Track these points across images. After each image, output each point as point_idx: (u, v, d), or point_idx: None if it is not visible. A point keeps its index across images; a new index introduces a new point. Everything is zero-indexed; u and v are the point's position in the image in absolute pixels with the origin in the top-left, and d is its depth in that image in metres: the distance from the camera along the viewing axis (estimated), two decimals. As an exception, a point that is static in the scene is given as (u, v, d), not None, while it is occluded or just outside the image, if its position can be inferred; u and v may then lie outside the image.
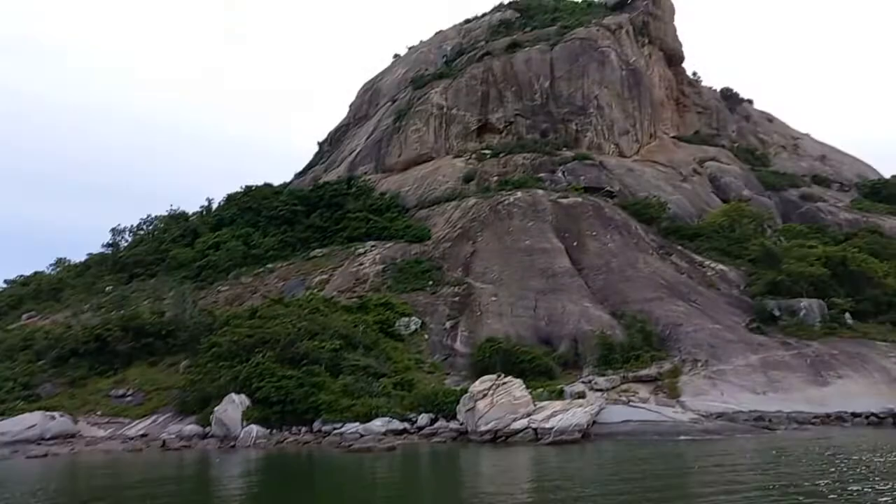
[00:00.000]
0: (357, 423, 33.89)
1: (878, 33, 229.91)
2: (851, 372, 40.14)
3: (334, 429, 34.09)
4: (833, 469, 20.29)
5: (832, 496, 16.07)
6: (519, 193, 59.30)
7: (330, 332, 40.41)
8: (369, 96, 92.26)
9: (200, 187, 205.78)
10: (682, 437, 30.66)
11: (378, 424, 33.77)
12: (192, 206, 75.23)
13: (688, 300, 47.86)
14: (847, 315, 45.99)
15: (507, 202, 57.97)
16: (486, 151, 70.83)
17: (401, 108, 78.82)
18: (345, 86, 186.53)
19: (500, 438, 31.41)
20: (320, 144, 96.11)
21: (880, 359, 41.56)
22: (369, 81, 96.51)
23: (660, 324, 44.90)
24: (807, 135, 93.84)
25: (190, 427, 36.04)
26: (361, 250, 56.30)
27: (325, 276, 53.42)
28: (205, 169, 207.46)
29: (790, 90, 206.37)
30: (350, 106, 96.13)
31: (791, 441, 29.19)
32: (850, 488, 17.06)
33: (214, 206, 71.98)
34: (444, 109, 75.15)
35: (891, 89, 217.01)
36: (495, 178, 64.81)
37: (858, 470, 20.07)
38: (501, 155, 69.30)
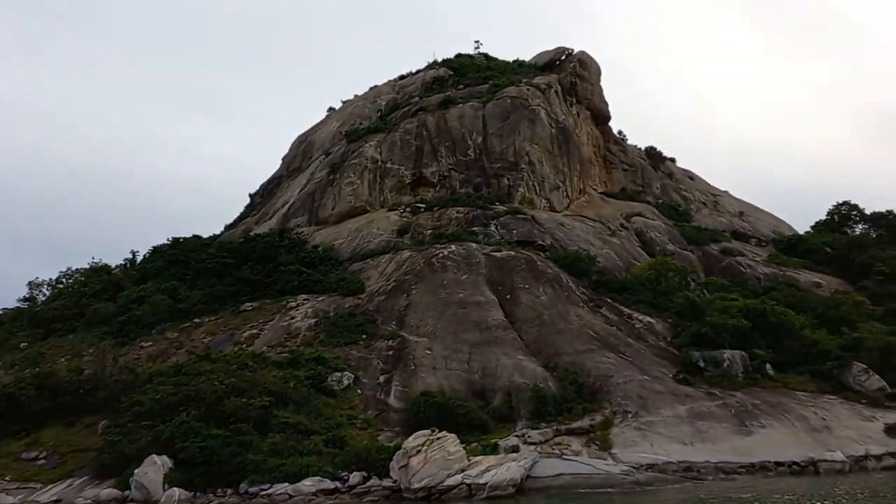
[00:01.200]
0: (286, 484, 32.79)
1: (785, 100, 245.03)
2: (774, 421, 41.43)
3: (262, 490, 32.85)
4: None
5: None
6: (453, 247, 59.79)
7: (259, 389, 39.26)
8: (303, 149, 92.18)
9: (124, 240, 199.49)
10: (614, 490, 30.90)
11: (308, 484, 32.75)
12: (115, 259, 72.73)
13: (618, 352, 48.74)
14: (768, 366, 47.66)
15: (441, 255, 58.32)
16: (421, 205, 71.41)
17: (335, 160, 78.95)
18: (277, 139, 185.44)
19: (434, 496, 30.96)
20: (252, 196, 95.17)
21: (800, 408, 43.12)
22: (303, 134, 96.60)
23: (591, 375, 45.48)
24: (726, 192, 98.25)
25: (107, 491, 34.05)
26: (293, 304, 55.38)
27: (254, 331, 52.20)
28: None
29: (709, 150, 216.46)
30: (283, 158, 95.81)
31: (718, 491, 29.78)
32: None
33: (139, 258, 69.92)
34: (379, 163, 75.66)
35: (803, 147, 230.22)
36: (429, 232, 65.21)
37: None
38: (436, 208, 69.94)
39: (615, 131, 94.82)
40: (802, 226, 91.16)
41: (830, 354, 48.30)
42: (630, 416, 41.62)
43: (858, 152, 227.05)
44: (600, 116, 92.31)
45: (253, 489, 33.08)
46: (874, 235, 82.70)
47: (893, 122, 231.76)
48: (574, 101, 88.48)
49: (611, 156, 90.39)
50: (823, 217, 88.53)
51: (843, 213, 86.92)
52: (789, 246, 79.38)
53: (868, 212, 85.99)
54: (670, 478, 33.85)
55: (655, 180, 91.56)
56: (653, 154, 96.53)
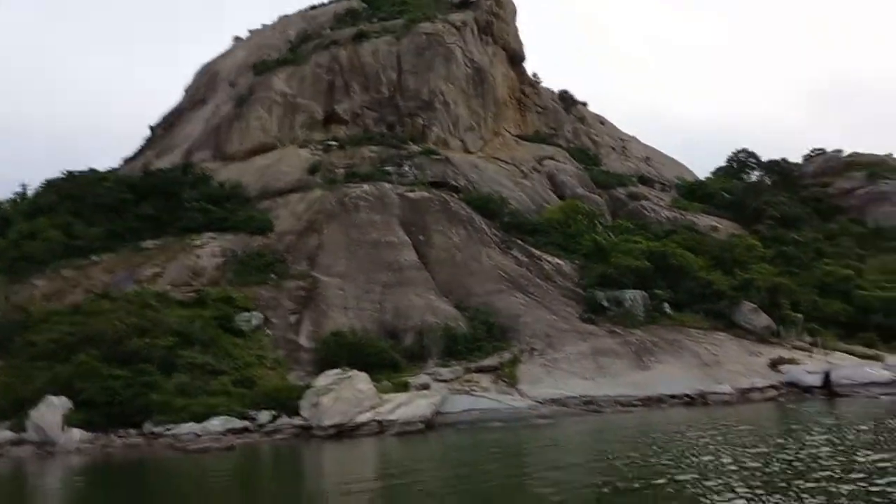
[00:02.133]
0: (193, 424, 32.32)
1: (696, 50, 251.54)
2: (669, 357, 43.84)
3: (167, 430, 32.30)
4: (641, 443, 22.20)
5: (635, 464, 17.57)
6: (366, 186, 59.07)
7: (163, 329, 38.24)
8: (207, 80, 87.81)
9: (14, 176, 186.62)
10: (520, 423, 32.08)
11: (216, 424, 32.40)
12: (2, 193, 67.83)
13: (527, 292, 49.97)
14: (666, 305, 50.08)
15: (354, 195, 57.56)
16: (333, 143, 69.83)
17: (242, 93, 75.76)
18: (179, 69, 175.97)
19: (344, 432, 31.25)
20: (152, 129, 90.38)
21: (694, 345, 45.71)
22: (207, 64, 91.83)
23: (501, 315, 46.61)
24: (634, 138, 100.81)
25: (2, 434, 32.69)
26: (198, 242, 53.59)
27: (157, 270, 50.35)
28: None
29: (619, 95, 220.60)
30: (186, 89, 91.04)
31: (615, 422, 31.45)
32: (651, 459, 18.73)
33: (30, 192, 65.63)
34: (289, 97, 73.18)
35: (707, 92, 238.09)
36: (342, 171, 64.05)
37: (661, 443, 22.00)
38: (348, 147, 68.60)
39: (529, 73, 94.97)
40: (703, 171, 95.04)
41: (723, 294, 51.11)
42: (537, 353, 43.11)
43: (761, 104, 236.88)
44: (515, 57, 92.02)
45: (157, 429, 32.45)
46: (768, 182, 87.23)
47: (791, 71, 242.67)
48: (490, 40, 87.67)
49: (525, 98, 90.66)
50: (723, 164, 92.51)
51: (741, 161, 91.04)
52: (690, 191, 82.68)
53: (764, 159, 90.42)
54: (572, 411, 35.46)
55: (567, 124, 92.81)
56: (565, 98, 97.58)
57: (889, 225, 79.39)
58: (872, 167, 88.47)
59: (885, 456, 18.09)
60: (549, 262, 55.64)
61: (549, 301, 49.49)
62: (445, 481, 18.33)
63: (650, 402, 38.80)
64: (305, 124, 72.43)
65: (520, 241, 58.10)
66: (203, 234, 54.59)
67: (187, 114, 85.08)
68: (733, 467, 17.71)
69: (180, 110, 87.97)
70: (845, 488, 14.53)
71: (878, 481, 15.00)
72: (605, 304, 49.20)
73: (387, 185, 59.74)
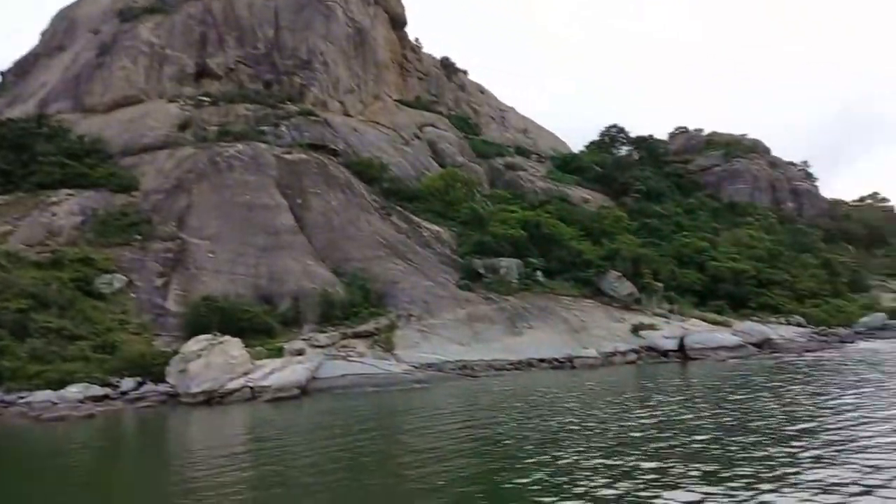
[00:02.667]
0: (48, 392, 30.24)
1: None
2: (541, 323, 45.53)
3: (20, 398, 30.04)
4: (507, 403, 23.04)
5: (497, 421, 18.25)
6: (240, 146, 56.75)
7: (15, 291, 35.41)
8: (66, 25, 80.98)
9: None
10: (396, 388, 32.35)
11: (74, 391, 30.44)
12: None
13: (405, 259, 50.14)
14: (539, 273, 51.84)
15: (227, 154, 55.18)
16: (205, 98, 66.42)
17: (105, 41, 70.46)
18: (34, 11, 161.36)
19: (214, 399, 30.31)
20: (3, 74, 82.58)
21: (563, 311, 47.67)
22: (66, 8, 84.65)
23: (379, 281, 46.56)
24: (512, 108, 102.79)
25: None
26: (55, 199, 49.70)
27: (8, 227, 46.34)
28: None
29: (499, 64, 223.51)
30: (42, 33, 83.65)
31: (487, 384, 32.40)
32: (517, 415, 19.51)
33: None
34: (156, 48, 68.83)
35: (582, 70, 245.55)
36: (214, 128, 61.14)
37: (528, 402, 22.96)
38: (221, 103, 65.47)
39: (411, 39, 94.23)
40: (577, 144, 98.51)
41: (592, 263, 53.52)
42: (414, 319, 43.50)
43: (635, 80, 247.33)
44: (397, 21, 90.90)
45: (9, 397, 30.10)
46: (636, 157, 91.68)
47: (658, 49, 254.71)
48: (372, 1, 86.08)
49: (407, 63, 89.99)
50: (596, 138, 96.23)
51: (612, 135, 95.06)
52: (564, 163, 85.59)
53: (633, 135, 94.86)
54: (448, 375, 36.16)
55: (449, 91, 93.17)
56: (447, 65, 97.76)
57: (741, 201, 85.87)
58: (729, 146, 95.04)
59: (692, 414, 19.85)
60: (428, 229, 56.01)
61: (427, 268, 49.91)
62: (314, 445, 18.27)
63: (521, 365, 40.21)
64: (175, 77, 68.44)
65: (399, 208, 58.07)
66: (59, 191, 50.68)
67: (43, 60, 78.14)
68: (590, 423, 18.83)
69: (35, 56, 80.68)
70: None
71: (695, 438, 16.40)
72: (482, 271, 50.25)
73: (262, 146, 57.68)
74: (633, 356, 43.63)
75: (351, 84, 74.39)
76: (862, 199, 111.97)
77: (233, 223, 48.95)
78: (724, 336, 46.46)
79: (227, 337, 33.98)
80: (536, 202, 66.20)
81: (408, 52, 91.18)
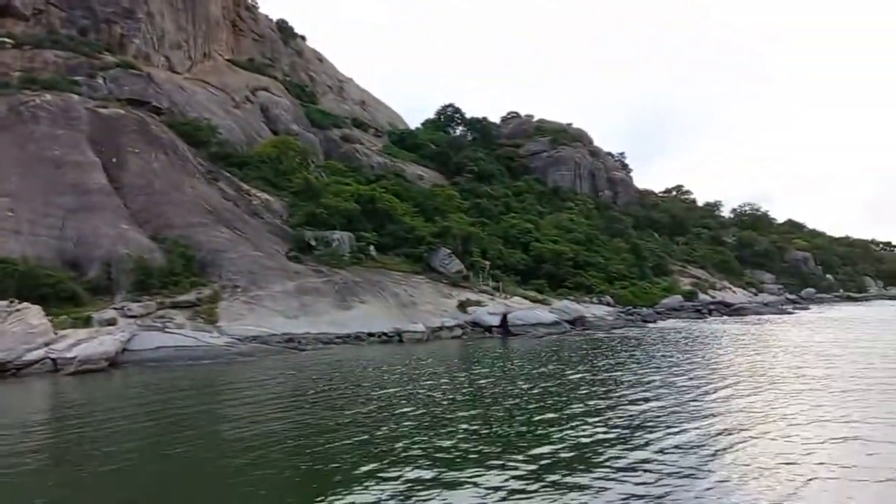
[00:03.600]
0: None
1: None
2: (371, 297, 45.56)
3: None
4: (327, 375, 23.02)
5: (312, 392, 18.26)
6: (48, 96, 51.21)
7: None
8: None
9: None
10: (217, 361, 31.04)
11: None
12: None
13: (232, 227, 48.05)
14: (372, 247, 51.82)
15: (32, 104, 49.59)
16: (7, 40, 59.25)
17: None
18: None
19: (9, 371, 27.47)
20: None
21: (394, 286, 48.04)
22: None
23: (203, 249, 44.32)
24: (351, 80, 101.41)
25: None
26: None
27: None
28: None
29: (340, 33, 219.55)
30: None
31: (313, 357, 32.02)
32: (328, 386, 19.53)
33: None
34: (-52, -23, 60.41)
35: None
36: (18, 74, 54.72)
37: (347, 376, 23.08)
38: (27, 47, 58.74)
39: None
40: (414, 121, 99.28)
41: (424, 240, 54.34)
42: (239, 290, 41.87)
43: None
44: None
45: None
46: (470, 138, 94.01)
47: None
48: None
49: (241, 21, 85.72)
50: (432, 116, 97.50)
51: (448, 115, 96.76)
52: (401, 139, 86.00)
53: (468, 116, 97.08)
54: (272, 348, 35.20)
55: (285, 56, 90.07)
56: (284, 28, 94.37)
57: (564, 186, 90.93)
58: (556, 133, 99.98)
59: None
60: (257, 197, 54.04)
61: (255, 237, 48.18)
62: (114, 421, 17.15)
63: (350, 339, 40.08)
64: (-31, 13, 60.39)
65: (227, 174, 55.49)
66: None
67: None
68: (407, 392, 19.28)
69: None
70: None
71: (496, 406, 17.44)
72: (313, 243, 49.36)
73: (75, 97, 52.49)
74: (458, 331, 44.94)
75: (178, 39, 69.69)
76: (668, 191, 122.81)
77: (37, 180, 44.25)
78: (542, 313, 49.09)
79: (25, 304, 30.86)
80: (372, 176, 66.05)
81: (242, 10, 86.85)
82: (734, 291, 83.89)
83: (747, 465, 12.07)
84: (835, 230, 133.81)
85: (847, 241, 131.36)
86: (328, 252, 48.87)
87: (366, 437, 14.68)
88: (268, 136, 66.22)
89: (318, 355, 33.75)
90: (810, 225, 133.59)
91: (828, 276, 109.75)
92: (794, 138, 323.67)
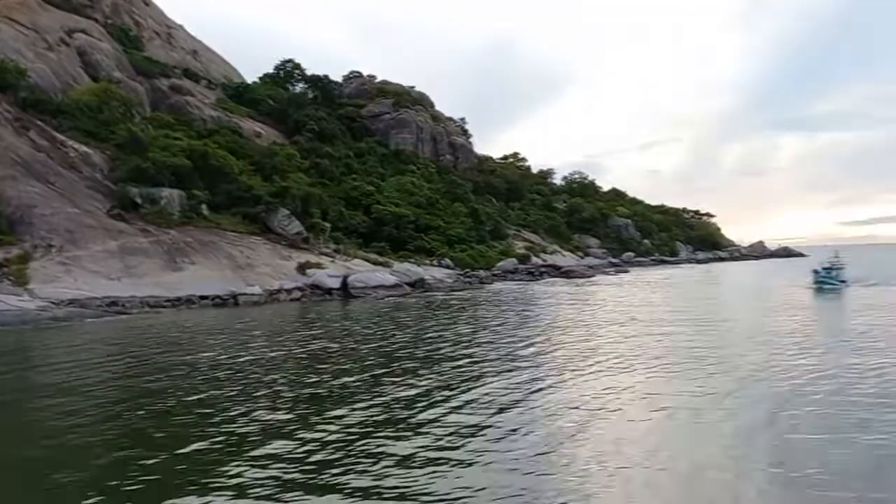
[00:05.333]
0: None
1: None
2: (203, 258, 43.49)
3: None
4: (148, 340, 21.93)
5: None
6: None
7: None
8: None
9: None
10: (28, 326, 28.42)
11: None
12: None
13: (46, 181, 43.75)
14: (204, 206, 49.28)
15: None
16: None
17: None
18: None
19: None
20: None
21: (229, 247, 46.14)
22: None
23: (11, 205, 40.11)
24: (181, 26, 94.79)
25: None
26: None
27: None
28: None
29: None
30: None
31: (138, 323, 30.14)
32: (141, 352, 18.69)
33: None
34: None
35: None
36: None
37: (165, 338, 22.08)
38: None
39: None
40: (252, 74, 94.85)
41: (261, 199, 52.45)
42: (55, 250, 38.43)
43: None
44: None
45: None
46: (311, 96, 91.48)
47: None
48: None
49: (54, -46, 77.10)
50: (271, 70, 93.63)
51: (288, 71, 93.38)
52: (237, 93, 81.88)
53: (309, 73, 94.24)
54: (94, 312, 32.74)
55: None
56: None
57: (406, 149, 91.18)
58: (398, 96, 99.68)
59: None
60: (75, 149, 49.44)
61: (72, 193, 44.19)
62: None
63: (180, 302, 38.16)
64: None
65: (39, 122, 50.19)
66: None
67: None
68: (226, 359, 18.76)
69: None
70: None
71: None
72: (139, 200, 46.13)
73: None
74: (298, 294, 44.14)
75: (-23, -33, 61.50)
76: (506, 158, 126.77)
77: None
78: (383, 276, 49.33)
79: None
80: (204, 131, 62.45)
81: (56, -59, 78.10)
82: (564, 255, 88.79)
83: (543, 411, 12.95)
84: (652, 199, 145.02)
85: (662, 209, 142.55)
86: (155, 210, 45.90)
87: (174, 403, 14.12)
88: (86, 83, 60.50)
89: (144, 320, 31.86)
90: (631, 193, 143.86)
91: (645, 240, 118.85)
92: (623, 109, 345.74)
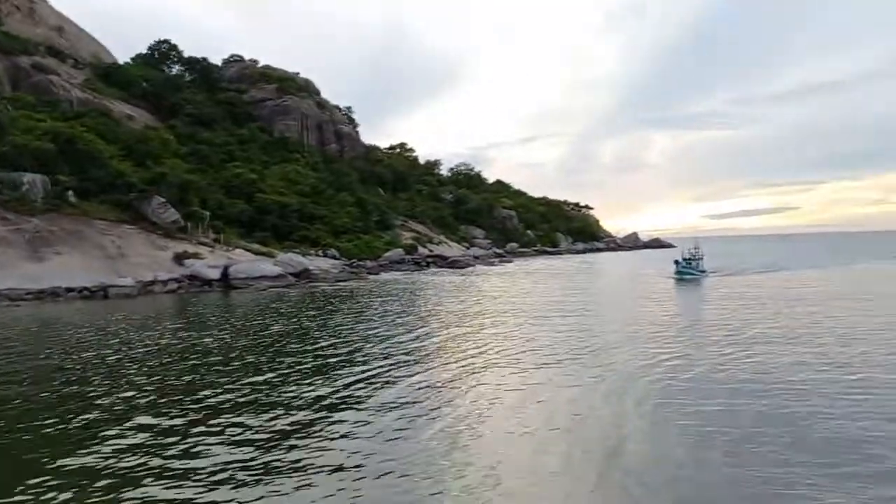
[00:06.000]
0: None
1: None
2: (70, 248, 40.82)
3: None
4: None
5: None
6: None
7: None
8: None
9: None
10: None
11: None
12: None
13: None
14: (71, 193, 46.18)
15: None
16: None
17: None
18: None
19: None
20: None
21: (99, 236, 43.52)
22: None
23: None
24: (44, 0, 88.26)
25: None
26: None
27: None
28: None
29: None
30: None
31: None
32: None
33: None
34: None
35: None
36: None
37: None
38: None
39: None
40: (125, 55, 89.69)
41: (134, 186, 49.77)
42: None
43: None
44: None
45: None
46: (188, 79, 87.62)
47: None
48: None
49: None
50: (144, 51, 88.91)
51: (164, 52, 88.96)
52: (107, 74, 77.15)
53: (186, 55, 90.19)
54: (-58, 308, 30.05)
55: (-43, -37, 75.34)
56: (-44, -71, 78.70)
57: (291, 137, 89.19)
58: (282, 82, 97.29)
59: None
60: (-81, 128, 45.09)
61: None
62: None
63: (44, 295, 35.70)
64: None
65: None
66: None
67: None
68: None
69: None
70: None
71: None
72: (-3, 186, 42.67)
73: None
74: (174, 285, 42.30)
75: None
76: (393, 148, 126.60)
77: None
78: (266, 266, 48.08)
79: None
80: (71, 113, 58.46)
81: None
82: (450, 245, 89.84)
83: (411, 392, 13.16)
84: (535, 191, 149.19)
85: (544, 201, 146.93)
86: (16, 197, 42.59)
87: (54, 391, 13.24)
88: (-67, 56, 55.29)
89: (4, 314, 29.54)
90: (515, 185, 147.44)
91: (528, 231, 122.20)
92: (507, 103, 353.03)
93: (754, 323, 22.99)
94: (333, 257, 62.77)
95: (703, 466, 9.31)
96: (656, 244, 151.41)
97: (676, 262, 50.31)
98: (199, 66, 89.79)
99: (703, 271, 49.96)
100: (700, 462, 9.47)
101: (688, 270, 48.93)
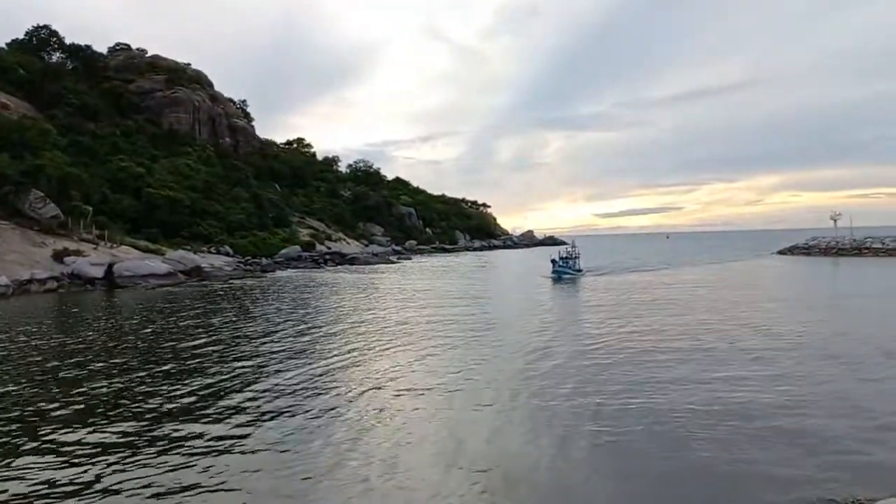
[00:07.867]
0: None
1: None
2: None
3: None
4: None
5: None
6: None
7: None
8: None
9: None
10: None
11: None
12: None
13: None
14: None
15: None
16: None
17: None
18: None
19: None
20: None
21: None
22: None
23: None
24: None
25: None
26: None
27: None
28: None
29: None
30: None
31: None
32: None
33: None
34: None
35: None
36: None
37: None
38: None
39: None
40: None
41: (9, 179, 46.80)
42: None
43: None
44: None
45: None
46: (70, 67, 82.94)
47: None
48: None
49: None
50: (21, 36, 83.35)
51: (43, 38, 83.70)
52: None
53: (68, 42, 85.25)
54: None
55: None
56: None
57: (182, 130, 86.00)
58: (171, 72, 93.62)
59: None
60: None
61: None
62: None
63: None
64: None
65: None
66: None
67: None
68: None
69: None
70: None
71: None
72: None
73: None
74: (54, 284, 40.12)
75: None
76: (290, 143, 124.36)
77: None
78: (155, 264, 46.35)
79: None
80: (-65, 100, 54.30)
81: None
82: (348, 242, 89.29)
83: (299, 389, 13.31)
84: (434, 188, 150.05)
85: (443, 199, 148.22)
86: None
87: None
88: None
89: None
90: (414, 183, 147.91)
91: (427, 229, 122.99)
92: (405, 101, 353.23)
93: (611, 320, 24.01)
94: (227, 254, 61.20)
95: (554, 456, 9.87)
96: (551, 242, 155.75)
97: (553, 261, 49.54)
98: (81, 54, 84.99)
99: (579, 270, 50.45)
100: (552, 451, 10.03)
101: (564, 269, 48.81)
